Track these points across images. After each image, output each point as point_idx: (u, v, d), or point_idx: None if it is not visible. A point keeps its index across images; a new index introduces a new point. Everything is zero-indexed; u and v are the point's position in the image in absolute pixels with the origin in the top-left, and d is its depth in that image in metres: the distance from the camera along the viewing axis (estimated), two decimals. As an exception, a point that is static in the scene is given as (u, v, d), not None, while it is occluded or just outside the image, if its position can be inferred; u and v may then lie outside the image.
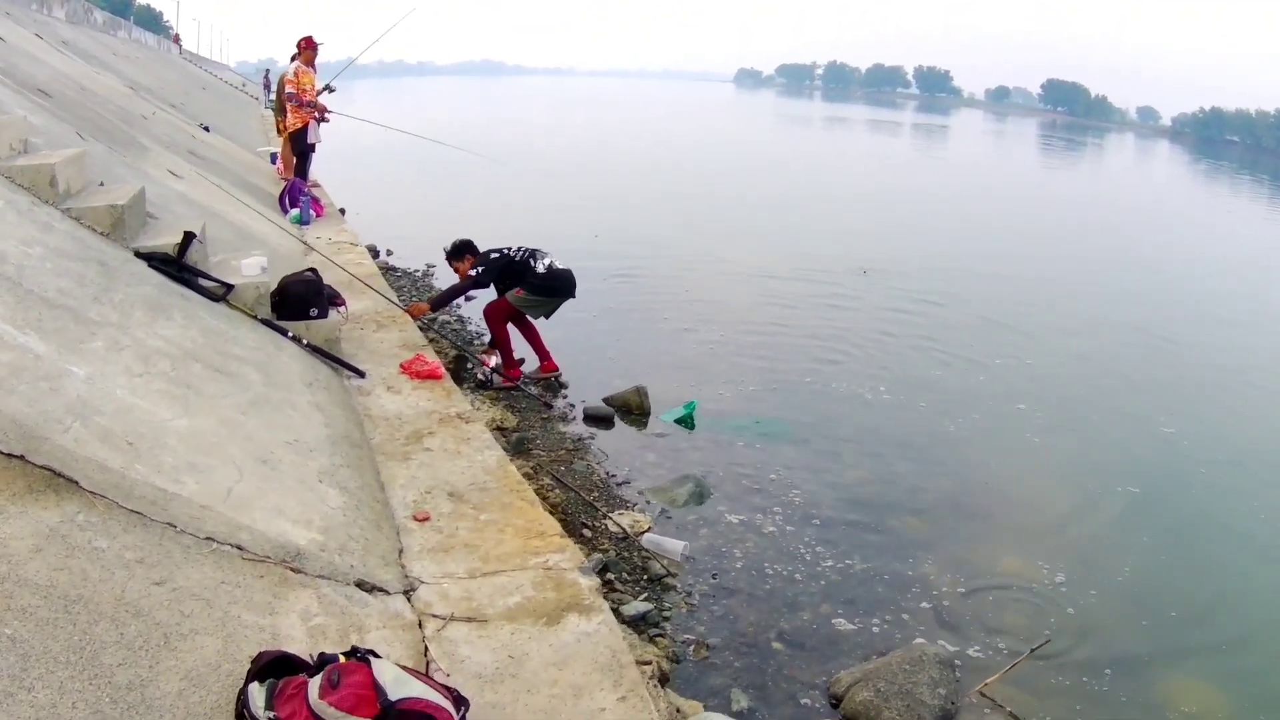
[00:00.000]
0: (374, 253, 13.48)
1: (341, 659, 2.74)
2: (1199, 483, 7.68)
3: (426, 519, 4.33)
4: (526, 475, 5.86)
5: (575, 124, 48.81)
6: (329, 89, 13.70)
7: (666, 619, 5.02)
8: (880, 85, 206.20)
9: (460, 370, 8.36)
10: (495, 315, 8.42)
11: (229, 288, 5.87)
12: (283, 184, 12.55)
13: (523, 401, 8.05)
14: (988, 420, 8.64)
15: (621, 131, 46.44)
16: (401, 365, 6.36)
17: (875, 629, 5.13)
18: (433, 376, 6.23)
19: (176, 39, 61.07)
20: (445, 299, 8.68)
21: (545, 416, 7.82)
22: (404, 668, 2.77)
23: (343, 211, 15.03)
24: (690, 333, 10.81)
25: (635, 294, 12.40)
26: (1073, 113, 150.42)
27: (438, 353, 8.11)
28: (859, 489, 6.98)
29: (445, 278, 12.58)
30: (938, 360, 10.40)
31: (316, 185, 14.23)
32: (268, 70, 14.22)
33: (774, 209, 23.23)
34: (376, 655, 2.80)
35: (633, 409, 8.14)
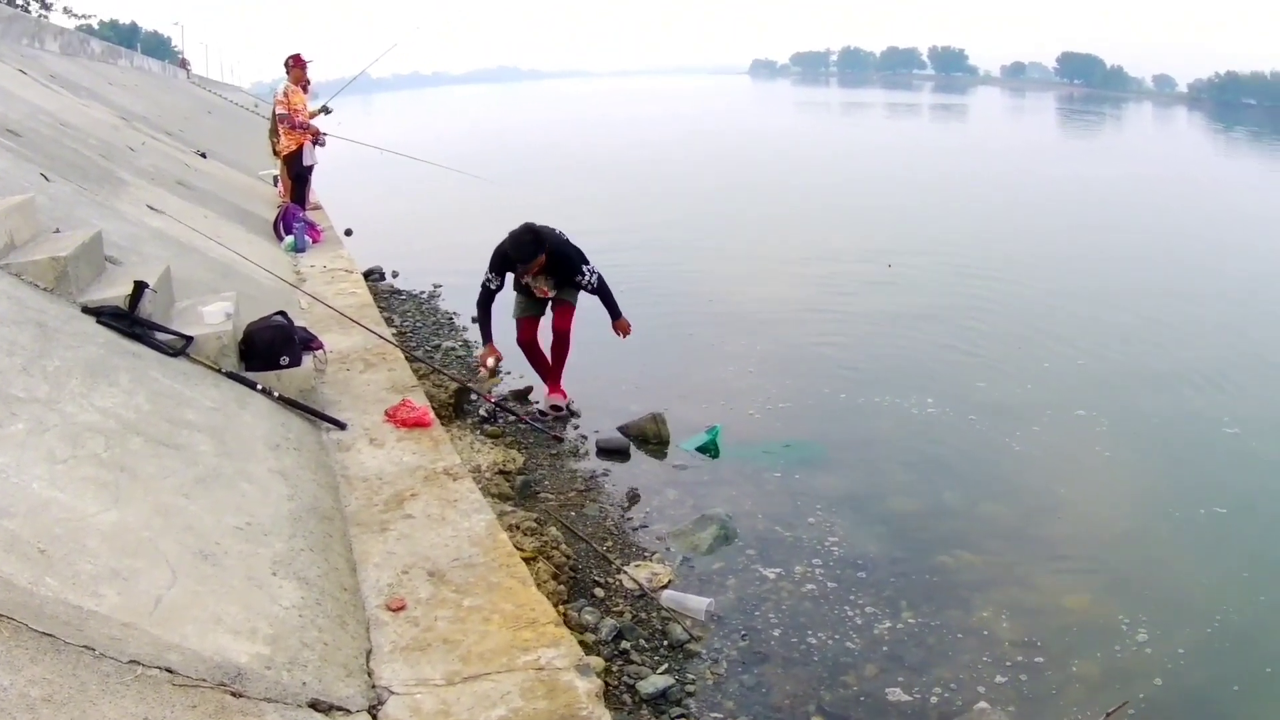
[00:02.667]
0: (379, 275, 12.99)
1: None
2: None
3: (402, 607, 3.73)
4: (531, 529, 5.29)
5: (594, 122, 48.12)
6: (325, 110, 13.21)
7: (690, 694, 4.38)
8: (895, 67, 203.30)
9: (463, 404, 7.77)
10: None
11: (188, 340, 5.29)
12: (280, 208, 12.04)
13: (530, 436, 7.45)
14: (1046, 433, 7.84)
15: (642, 130, 45.55)
16: (386, 412, 5.77)
17: (932, 696, 4.45)
18: (420, 424, 5.63)
19: (184, 63, 60.98)
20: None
21: (555, 453, 7.21)
22: None
23: (348, 233, 14.56)
24: (714, 346, 10.10)
25: (653, 302, 11.53)
26: (1090, 84, 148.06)
27: (437, 386, 7.55)
28: (904, 521, 6.28)
29: (451, 298, 12.04)
30: (984, 365, 9.66)
31: (317, 208, 13.76)
32: (275, 90, 13.92)
33: (796, 201, 22.53)
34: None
35: (649, 438, 7.49)
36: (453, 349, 9.74)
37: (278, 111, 12.09)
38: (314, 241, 11.34)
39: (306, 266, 10.18)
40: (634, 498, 6.56)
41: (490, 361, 7.69)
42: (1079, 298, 12.66)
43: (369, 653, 3.43)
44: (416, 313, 11.21)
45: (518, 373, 8.99)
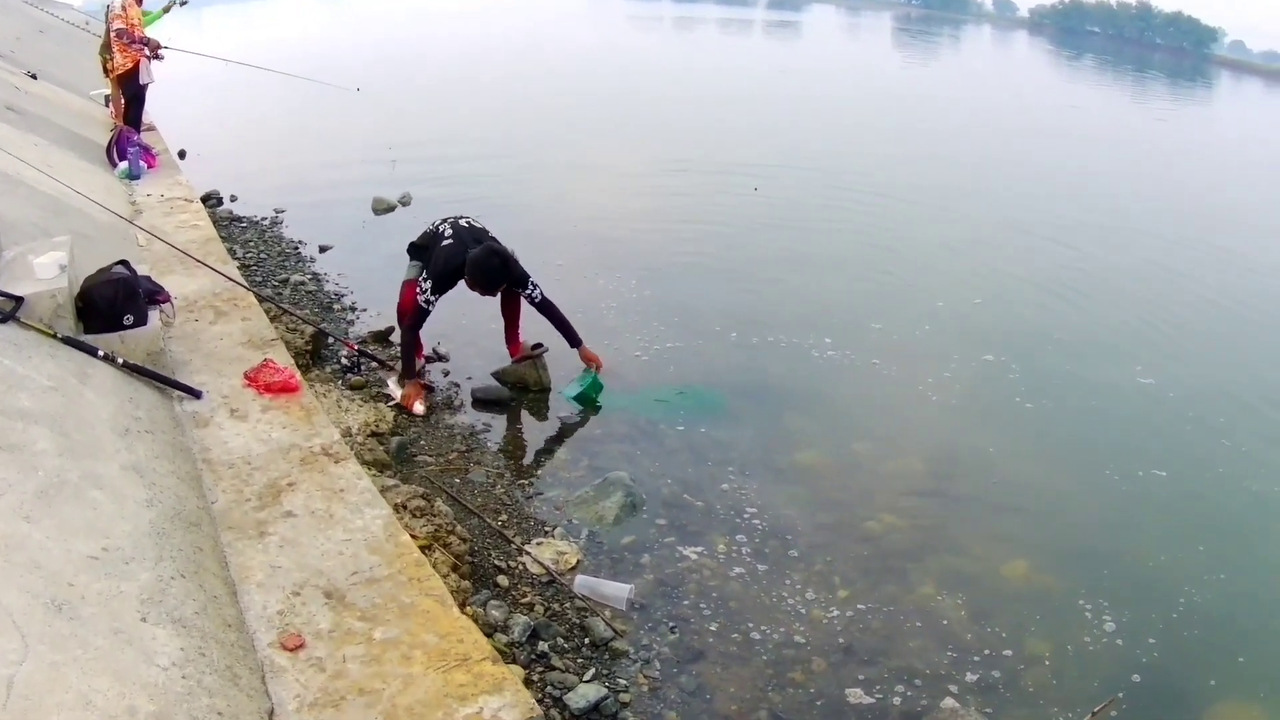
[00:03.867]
0: (216, 200, 11.87)
1: None
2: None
3: (300, 646, 3.12)
4: (420, 508, 4.68)
5: (419, 35, 45.69)
6: (166, 11, 11.92)
7: (625, 704, 3.92)
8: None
9: (320, 349, 7.00)
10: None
11: (18, 302, 4.40)
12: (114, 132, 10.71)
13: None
14: (956, 380, 7.56)
15: (475, 42, 43.46)
16: (246, 375, 5.01)
17: (894, 696, 4.09)
18: (287, 390, 4.91)
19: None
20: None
21: (427, 405, 6.54)
22: None
23: (182, 155, 13.26)
24: (587, 276, 9.40)
25: (513, 220, 10.54)
26: (928, 6, 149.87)
27: (291, 330, 6.74)
28: (820, 482, 5.92)
29: (295, 224, 11.04)
30: (877, 300, 9.38)
31: (151, 128, 12.43)
32: (108, 6, 12.20)
33: (643, 111, 21.90)
34: None
35: (530, 385, 6.90)
36: (302, 284, 8.84)
37: (116, 27, 10.72)
38: (149, 168, 10.22)
39: (143, 196, 9.05)
40: (521, 458, 6.06)
41: (419, 407, 6.37)
42: (959, 222, 12.60)
43: (271, 714, 2.81)
44: (260, 242, 10.18)
45: (375, 310, 8.24)
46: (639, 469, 5.85)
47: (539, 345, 7.12)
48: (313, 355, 6.88)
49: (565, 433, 6.41)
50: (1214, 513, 5.92)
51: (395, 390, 6.51)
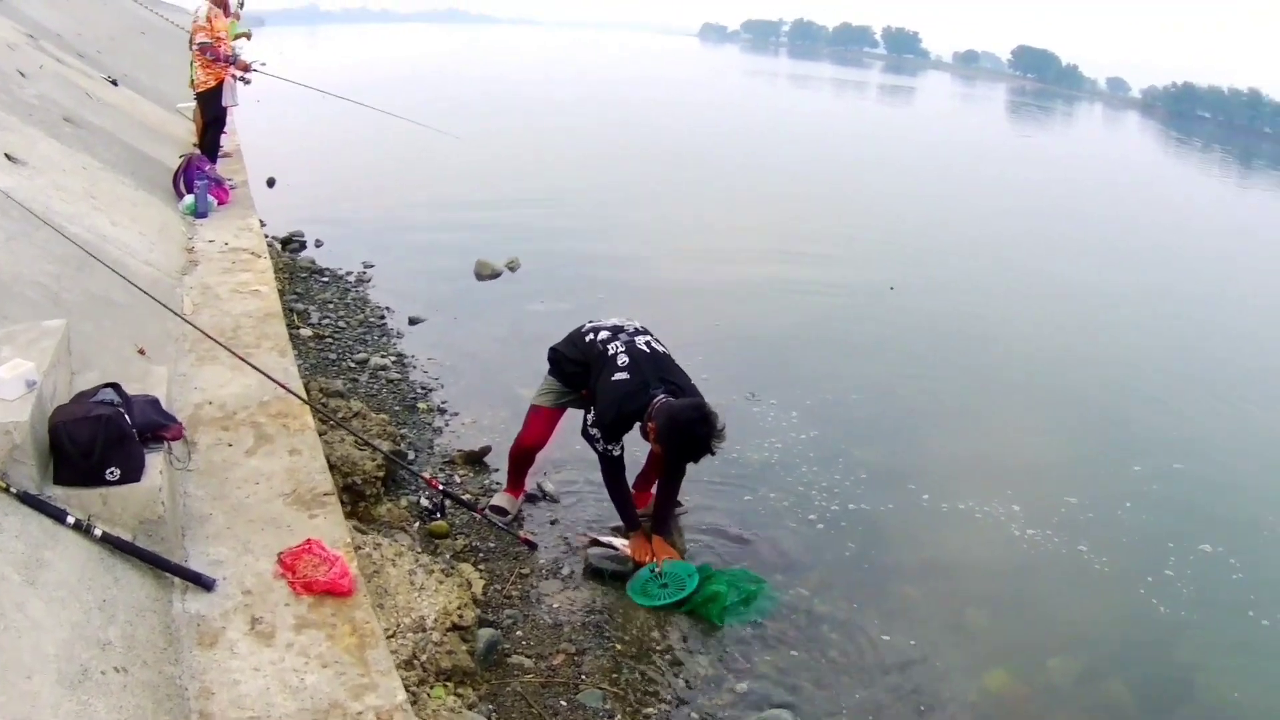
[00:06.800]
0: (299, 245, 10.62)
1: None
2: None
3: None
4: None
5: (547, 78, 45.14)
6: (245, 36, 10.80)
7: None
8: (847, 44, 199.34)
9: (396, 472, 5.54)
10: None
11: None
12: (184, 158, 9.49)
13: (490, 535, 5.24)
14: (1180, 571, 5.91)
15: (594, 92, 42.66)
16: (281, 559, 3.49)
17: None
18: (334, 592, 3.37)
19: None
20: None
21: (526, 572, 5.00)
22: None
23: (271, 183, 12.15)
24: (738, 404, 7.66)
25: (646, 314, 9.05)
26: (1042, 80, 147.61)
27: (360, 447, 5.24)
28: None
29: (384, 285, 9.71)
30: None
31: (228, 156, 11.27)
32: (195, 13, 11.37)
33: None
34: None
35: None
36: (383, 369, 7.43)
37: (198, 40, 9.58)
38: (219, 203, 8.89)
39: (204, 242, 7.72)
40: (645, 666, 4.39)
41: (661, 566, 5.03)
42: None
43: None
44: (340, 305, 8.84)
45: (469, 416, 6.80)
46: (804, 703, 4.23)
47: (678, 503, 5.56)
48: (385, 482, 5.40)
49: (701, 629, 4.75)
50: None
51: (619, 543, 5.18)
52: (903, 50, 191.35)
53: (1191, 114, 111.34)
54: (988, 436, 7.79)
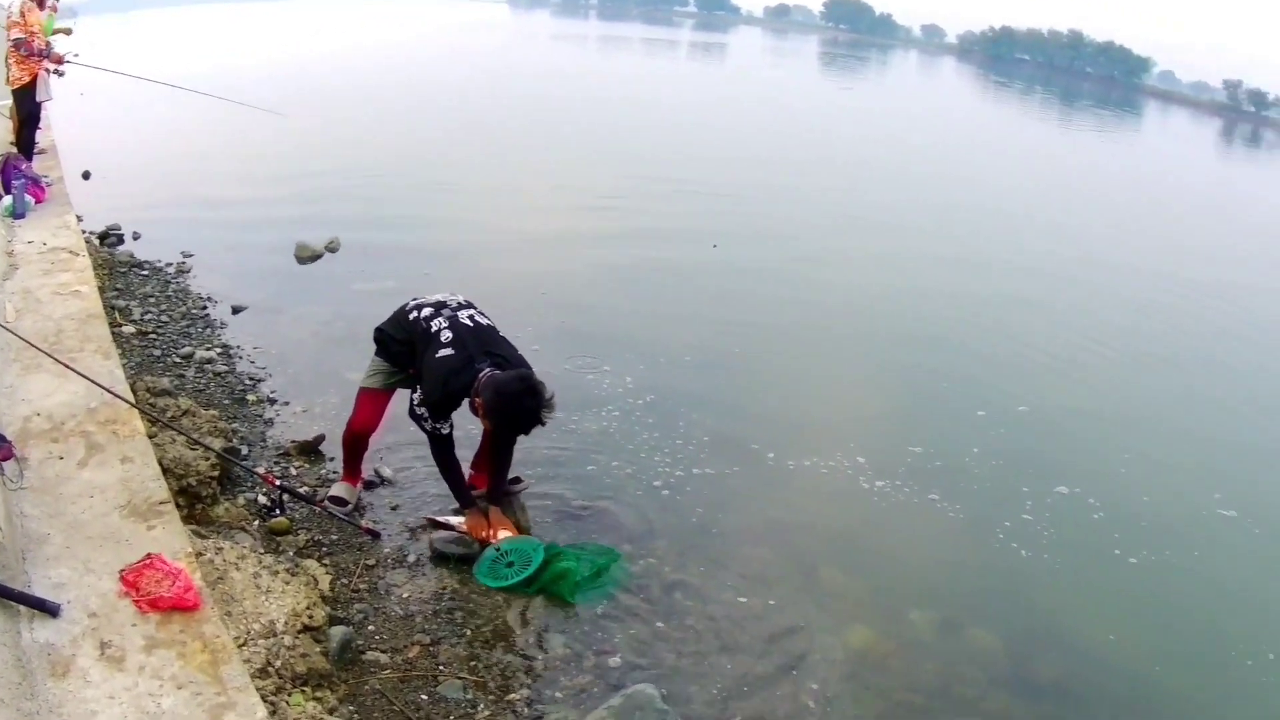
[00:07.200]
0: (117, 238, 10.20)
1: None
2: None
3: None
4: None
5: (354, 50, 43.79)
6: (65, 31, 10.33)
7: None
8: (657, 3, 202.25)
9: (231, 471, 5.41)
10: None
11: None
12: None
13: (334, 531, 5.19)
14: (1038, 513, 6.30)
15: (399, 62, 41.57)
16: (123, 577, 3.40)
17: None
18: (180, 608, 3.31)
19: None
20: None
21: (371, 563, 4.98)
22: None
23: (86, 176, 11.60)
24: (571, 370, 7.79)
25: (475, 287, 8.98)
26: (855, 30, 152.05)
27: (192, 448, 5.09)
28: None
29: (205, 274, 9.38)
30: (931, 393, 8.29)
31: (43, 151, 10.74)
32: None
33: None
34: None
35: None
36: (209, 362, 7.20)
37: (13, 36, 9.11)
38: (36, 202, 8.55)
39: (23, 244, 7.31)
40: (503, 651, 4.45)
41: (501, 534, 5.12)
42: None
43: None
44: (162, 299, 8.48)
45: (299, 405, 6.69)
46: (668, 675, 4.37)
47: (517, 479, 5.62)
48: (221, 480, 5.27)
49: (555, 606, 4.82)
50: None
51: (456, 521, 5.20)
52: (713, 7, 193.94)
53: (1010, 57, 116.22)
54: (827, 389, 8.17)
